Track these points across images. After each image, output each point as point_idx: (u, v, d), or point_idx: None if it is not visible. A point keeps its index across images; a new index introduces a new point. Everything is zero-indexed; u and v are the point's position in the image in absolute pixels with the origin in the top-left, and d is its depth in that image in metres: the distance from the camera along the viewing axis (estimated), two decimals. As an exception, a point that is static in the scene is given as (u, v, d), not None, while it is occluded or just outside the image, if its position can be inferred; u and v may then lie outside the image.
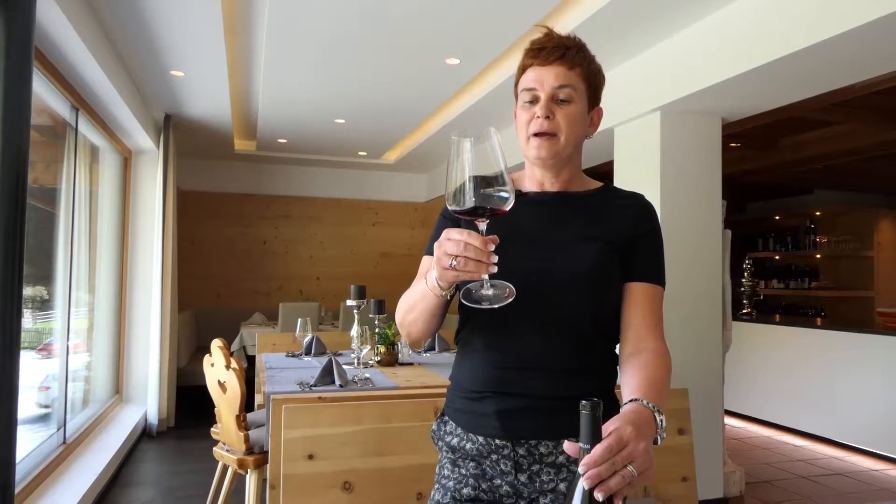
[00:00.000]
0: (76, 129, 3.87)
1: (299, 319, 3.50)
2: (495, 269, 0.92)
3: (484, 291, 0.96)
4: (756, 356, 5.40)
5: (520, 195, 1.16)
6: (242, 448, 2.67)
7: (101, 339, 4.77)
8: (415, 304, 1.13)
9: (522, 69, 1.18)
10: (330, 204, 7.21)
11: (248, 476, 2.71)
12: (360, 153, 6.47)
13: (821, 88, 3.07)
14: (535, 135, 1.14)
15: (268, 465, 2.11)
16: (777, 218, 8.05)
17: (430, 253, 1.16)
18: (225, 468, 3.01)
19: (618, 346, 1.18)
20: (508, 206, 0.93)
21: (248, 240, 6.90)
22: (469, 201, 0.90)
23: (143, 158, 5.20)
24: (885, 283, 7.07)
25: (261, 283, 6.92)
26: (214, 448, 2.86)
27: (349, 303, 3.10)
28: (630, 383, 1.05)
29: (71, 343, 3.83)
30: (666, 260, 1.22)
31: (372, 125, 5.23)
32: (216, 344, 2.85)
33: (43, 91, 3.31)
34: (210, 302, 6.72)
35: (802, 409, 4.96)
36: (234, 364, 2.71)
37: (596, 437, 0.83)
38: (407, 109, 4.73)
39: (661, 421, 0.96)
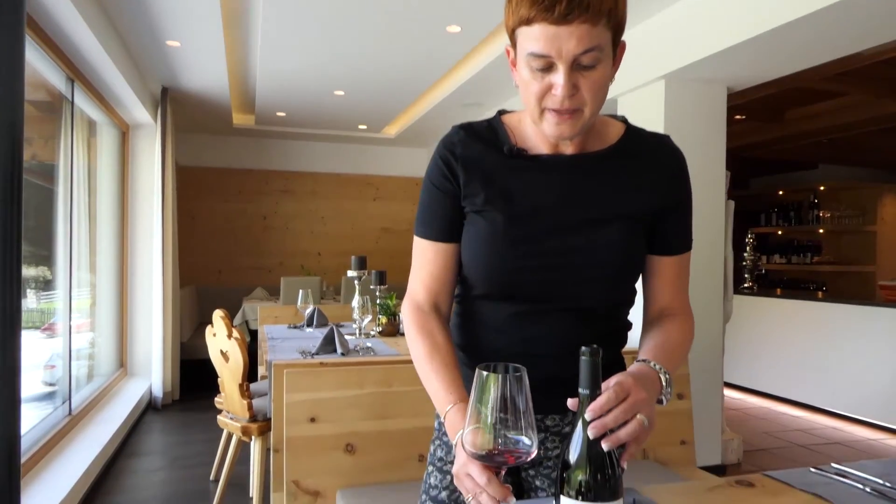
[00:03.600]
0: (72, 102, 3.84)
1: (300, 291, 3.50)
2: None
3: None
4: (756, 329, 5.41)
5: (529, 158, 1.05)
6: (246, 416, 2.69)
7: (104, 314, 4.78)
8: (426, 385, 1.05)
9: (524, 21, 0.89)
10: (330, 179, 7.17)
11: (252, 443, 2.74)
12: (360, 127, 6.42)
13: (828, 56, 3.03)
14: (554, 111, 0.93)
15: (271, 432, 2.13)
16: (780, 193, 8.01)
17: (422, 234, 1.09)
18: (229, 436, 3.04)
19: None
20: (530, 458, 0.82)
21: (248, 215, 6.89)
22: (486, 444, 0.80)
23: (141, 133, 5.16)
24: (887, 258, 7.06)
25: (262, 259, 6.92)
26: (218, 416, 2.88)
27: (350, 273, 3.10)
28: (643, 346, 1.03)
29: (74, 316, 3.85)
30: None
31: (372, 97, 5.18)
32: (218, 314, 2.86)
33: (37, 61, 3.28)
34: (211, 278, 6.72)
35: (801, 380, 4.98)
36: (235, 333, 2.72)
37: (596, 384, 0.82)
38: (407, 80, 4.68)
39: (667, 381, 0.94)
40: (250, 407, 2.68)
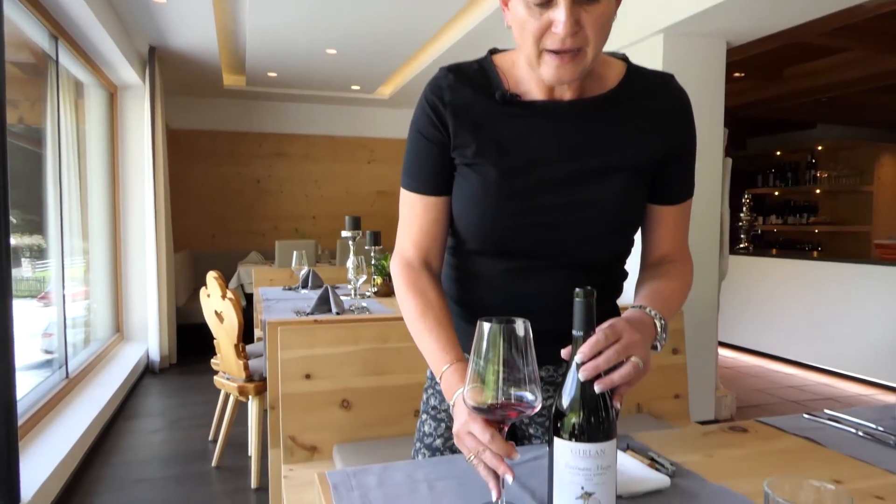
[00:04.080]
0: (57, 62, 3.75)
1: (294, 252, 3.49)
2: (510, 481, 0.80)
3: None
4: (751, 289, 5.43)
5: (523, 105, 0.98)
6: (242, 376, 2.70)
7: (98, 280, 4.76)
8: (419, 345, 1.02)
9: None
10: (323, 141, 7.09)
11: (249, 403, 2.75)
12: (353, 87, 6.31)
13: (828, 8, 2.96)
14: (554, 51, 0.86)
15: (268, 392, 2.13)
16: (778, 153, 7.96)
17: (410, 187, 1.04)
18: (227, 397, 3.06)
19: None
20: (534, 411, 0.80)
21: (241, 179, 6.82)
22: (489, 398, 0.78)
23: (130, 94, 5.06)
24: (883, 218, 7.06)
25: (256, 223, 6.88)
26: (215, 377, 2.89)
27: (344, 234, 3.08)
28: (639, 293, 1.01)
29: (69, 282, 3.83)
30: None
31: (365, 55, 5.08)
32: (211, 275, 2.84)
33: (18, 18, 3.18)
34: (205, 243, 6.69)
35: (795, 338, 5.03)
36: (229, 294, 2.70)
37: (589, 325, 0.81)
38: (401, 37, 4.58)
39: (662, 327, 0.91)
40: (246, 367, 2.69)
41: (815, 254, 5.82)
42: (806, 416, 1.22)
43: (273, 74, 5.75)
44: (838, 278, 4.71)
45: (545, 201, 0.97)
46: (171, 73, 5.40)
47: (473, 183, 0.99)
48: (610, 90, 0.99)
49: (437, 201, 1.03)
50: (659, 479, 0.88)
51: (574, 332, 0.82)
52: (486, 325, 0.78)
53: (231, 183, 6.78)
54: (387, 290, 3.23)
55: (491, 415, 0.78)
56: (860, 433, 1.12)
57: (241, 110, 6.77)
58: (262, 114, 6.84)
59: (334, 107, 7.04)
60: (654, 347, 0.92)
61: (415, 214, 1.05)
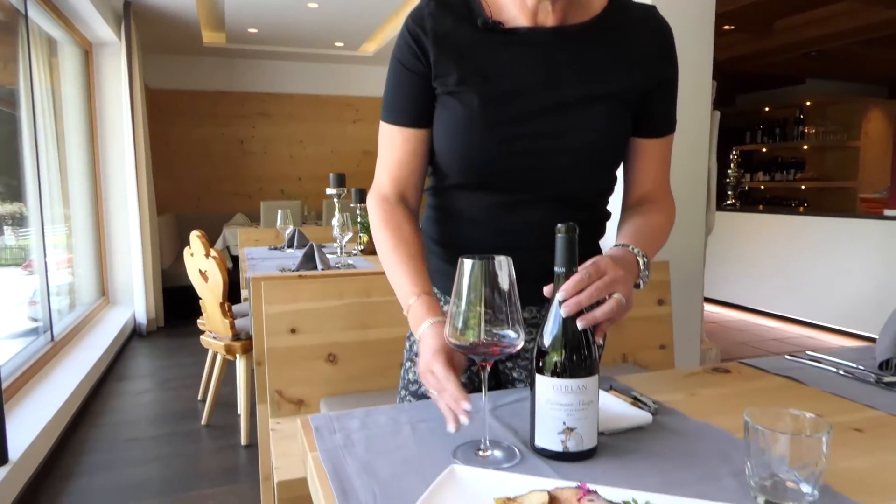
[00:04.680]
0: (27, 17, 3.61)
1: (279, 211, 3.44)
2: (466, 422, 0.79)
3: (481, 454, 0.80)
4: (737, 244, 5.46)
5: (506, 32, 0.96)
6: (229, 334, 2.69)
7: (81, 244, 4.70)
8: (390, 278, 1.01)
9: None
10: (308, 100, 6.95)
11: (237, 362, 2.75)
12: (336, 44, 6.16)
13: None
14: None
15: (254, 348, 2.12)
16: (766, 110, 7.92)
17: (388, 119, 1.02)
18: (214, 357, 3.05)
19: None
20: (516, 349, 0.79)
21: (224, 140, 6.70)
22: (470, 336, 0.76)
23: (106, 52, 4.91)
24: (868, 173, 7.08)
25: (241, 184, 6.79)
26: (201, 336, 2.88)
27: (329, 191, 3.03)
28: (622, 231, 0.99)
29: (51, 244, 3.77)
30: None
31: (347, 9, 4.93)
32: (195, 234, 2.81)
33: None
34: (190, 205, 6.61)
35: (780, 293, 5.08)
36: (213, 252, 2.67)
37: (571, 262, 0.80)
38: (383, -9, 4.45)
39: (644, 265, 0.91)
40: (232, 326, 2.68)
41: (801, 209, 5.85)
42: (788, 357, 1.23)
43: (254, 31, 5.59)
44: (823, 233, 4.74)
45: (529, 128, 0.96)
46: (147, 29, 5.24)
47: (456, 111, 0.97)
48: (593, 17, 0.97)
49: (415, 133, 1.01)
50: (641, 416, 0.88)
51: (556, 269, 0.80)
52: (468, 263, 0.76)
53: (214, 144, 6.66)
54: (373, 248, 3.20)
55: (473, 352, 0.77)
56: (841, 372, 1.13)
57: (222, 69, 6.61)
58: (243, 73, 6.68)
59: (318, 65, 6.88)
60: (637, 286, 0.91)
61: (392, 147, 1.03)
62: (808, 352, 1.24)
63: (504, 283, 0.76)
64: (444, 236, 1.10)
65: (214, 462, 2.55)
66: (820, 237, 4.76)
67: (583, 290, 0.79)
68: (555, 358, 0.78)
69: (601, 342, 0.80)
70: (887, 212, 4.70)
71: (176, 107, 6.47)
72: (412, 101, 1.00)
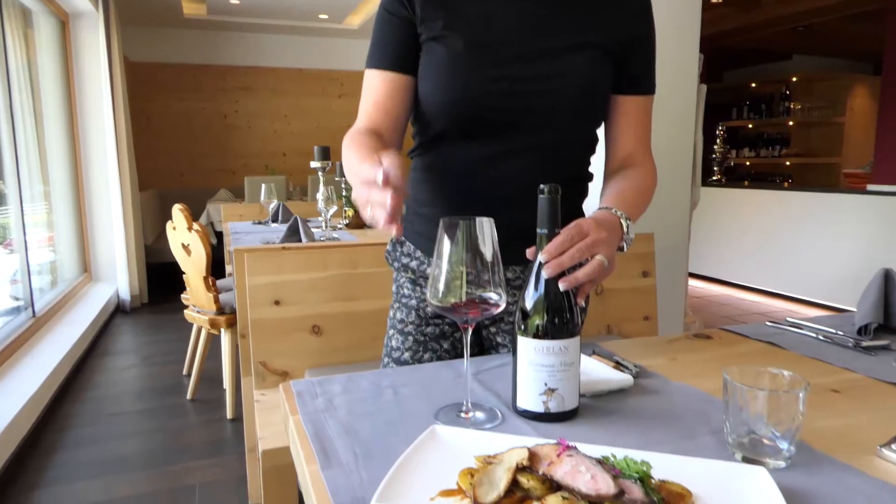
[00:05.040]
0: (-1, -16, 3.50)
1: (263, 185, 3.40)
2: (389, 203, 0.73)
3: (463, 415, 0.80)
4: (722, 220, 5.50)
5: None
6: (213, 308, 2.67)
7: (62, 221, 4.62)
8: (349, 171, 0.96)
9: None
10: (292, 74, 6.84)
11: (222, 336, 2.74)
12: (320, 16, 6.05)
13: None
14: None
15: (237, 318, 2.11)
16: (753, 85, 7.92)
17: (370, 65, 1.04)
18: (199, 331, 3.03)
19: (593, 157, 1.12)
20: (498, 310, 0.77)
21: (207, 114, 6.59)
22: (452, 297, 0.75)
23: (83, 23, 4.78)
24: (853, 149, 7.13)
25: (225, 160, 6.70)
26: (185, 311, 2.86)
27: (313, 164, 3.00)
28: (605, 195, 1.00)
29: (34, 225, 3.70)
30: None
31: (331, -18, 4.84)
32: (177, 207, 2.77)
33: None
34: (173, 181, 6.52)
35: (764, 267, 5.14)
36: (196, 226, 2.64)
37: (554, 223, 0.79)
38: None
39: (628, 227, 0.91)
40: (216, 300, 2.66)
41: (785, 185, 5.89)
42: (769, 323, 1.24)
43: (236, 2, 5.47)
44: (807, 208, 4.78)
45: (512, 71, 0.98)
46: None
47: (441, 55, 0.99)
48: None
49: (395, 77, 1.02)
50: (622, 379, 0.88)
51: (538, 231, 0.80)
52: (450, 223, 0.75)
53: (196, 119, 6.55)
54: (358, 223, 3.18)
55: (455, 314, 0.77)
56: (820, 337, 1.14)
57: (203, 42, 6.47)
58: (226, 46, 6.55)
59: (302, 38, 6.76)
60: (621, 248, 0.91)
61: (371, 90, 1.04)
62: (788, 318, 1.25)
63: (486, 244, 0.75)
64: (428, 196, 1.10)
65: (200, 435, 2.55)
66: (804, 212, 4.80)
67: (565, 251, 0.78)
68: (537, 319, 0.78)
69: (583, 304, 0.80)
70: (870, 187, 4.74)
71: (157, 80, 6.34)
72: (395, 46, 1.02)
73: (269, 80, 6.76)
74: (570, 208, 1.07)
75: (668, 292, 3.38)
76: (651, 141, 1.11)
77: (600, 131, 1.10)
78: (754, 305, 4.82)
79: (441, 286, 0.76)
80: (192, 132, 6.54)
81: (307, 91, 6.92)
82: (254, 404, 1.74)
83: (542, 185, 0.78)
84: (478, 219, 0.75)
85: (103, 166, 4.81)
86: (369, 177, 0.74)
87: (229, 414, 2.70)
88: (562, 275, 0.78)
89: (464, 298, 0.75)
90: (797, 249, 4.84)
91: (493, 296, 0.76)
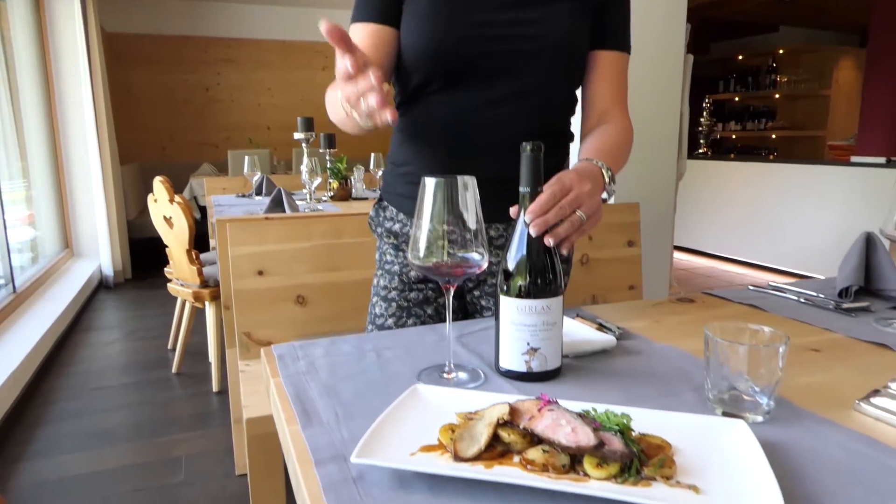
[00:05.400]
0: (-31, -51, 3.38)
1: (247, 157, 3.36)
2: (373, 101, 0.72)
3: (445, 376, 0.79)
4: (708, 192, 5.52)
5: None
6: (196, 282, 2.65)
7: (42, 196, 4.54)
8: (343, 120, 0.95)
9: None
10: (275, 46, 6.71)
11: (206, 309, 2.72)
12: (303, -13, 5.93)
13: None
14: None
15: (221, 289, 2.09)
16: (740, 58, 7.90)
17: (354, 19, 1.04)
18: (183, 305, 3.01)
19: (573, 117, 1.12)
20: (480, 270, 0.76)
21: (188, 87, 6.46)
22: (433, 257, 0.73)
23: (58, -9, 4.64)
24: (838, 122, 7.16)
25: (207, 133, 6.59)
26: (169, 284, 2.83)
27: (297, 136, 2.96)
28: (584, 149, 1.00)
29: (14, 203, 3.63)
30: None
31: (313, -51, 4.72)
32: (158, 180, 2.72)
33: None
34: (155, 155, 6.41)
35: (749, 240, 5.18)
36: (178, 198, 2.60)
37: (537, 181, 0.78)
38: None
39: (610, 178, 0.91)
40: (200, 272, 2.63)
41: (770, 158, 5.91)
42: (751, 287, 1.25)
43: (215, -30, 5.34)
44: (791, 180, 4.80)
45: (492, 17, 0.99)
46: (101, -33, 4.96)
47: (423, 3, 1.00)
48: None
49: (379, 28, 1.02)
50: (605, 340, 0.88)
51: (521, 189, 0.79)
52: (431, 181, 0.74)
53: (177, 92, 6.43)
54: (343, 194, 3.16)
55: (436, 273, 0.76)
56: (801, 300, 1.15)
57: (184, 12, 6.32)
58: (207, 16, 6.40)
59: (286, 8, 6.62)
60: (605, 200, 0.90)
61: (356, 41, 1.00)
62: (770, 283, 1.26)
63: (468, 202, 0.74)
64: (410, 155, 1.10)
65: (186, 408, 2.54)
66: (788, 184, 4.83)
67: (549, 209, 0.77)
68: (519, 279, 0.77)
69: (565, 253, 0.79)
70: (854, 158, 4.77)
71: (136, 52, 6.20)
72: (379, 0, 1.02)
73: (253, 52, 6.63)
74: (552, 165, 1.07)
75: (653, 263, 3.40)
76: (629, 102, 1.12)
77: (578, 94, 1.10)
78: (739, 277, 4.87)
79: (422, 246, 0.74)
80: (173, 105, 6.42)
81: (291, 63, 6.80)
82: (238, 375, 1.73)
83: (524, 143, 0.77)
84: (460, 177, 0.74)
85: (82, 140, 4.71)
86: (344, 68, 0.73)
87: (215, 387, 2.69)
88: (546, 232, 0.77)
89: (446, 258, 0.74)
90: (782, 221, 4.88)
91: (475, 255, 0.75)
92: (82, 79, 4.55)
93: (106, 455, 2.17)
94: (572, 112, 1.11)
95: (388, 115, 0.73)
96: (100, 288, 4.64)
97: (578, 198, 0.80)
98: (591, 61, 1.07)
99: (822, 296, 1.15)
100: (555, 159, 1.09)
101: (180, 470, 2.07)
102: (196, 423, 2.41)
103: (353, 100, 0.75)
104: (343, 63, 0.73)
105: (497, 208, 0.88)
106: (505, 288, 0.78)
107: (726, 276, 4.89)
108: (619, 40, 1.07)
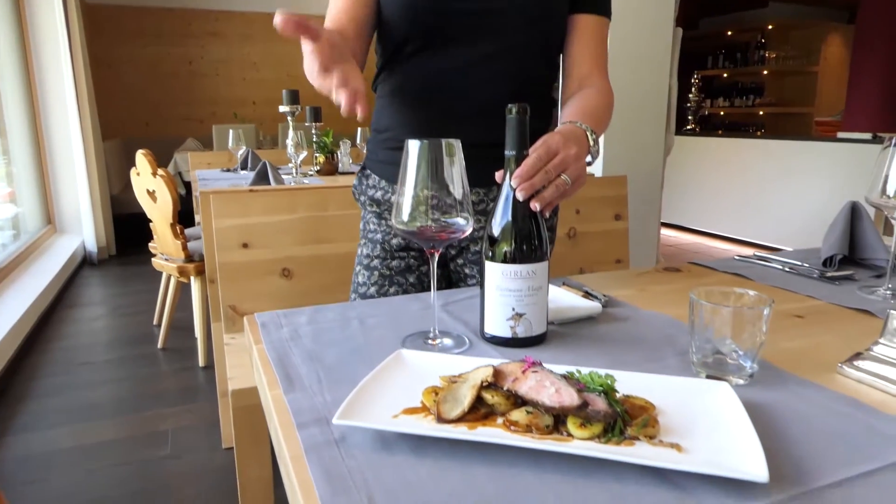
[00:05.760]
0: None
1: (231, 131, 3.31)
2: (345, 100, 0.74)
3: (430, 342, 0.79)
4: (695, 169, 5.52)
5: None
6: (181, 256, 2.62)
7: (22, 171, 4.45)
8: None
9: None
10: (260, 19, 6.58)
11: (192, 284, 2.69)
12: (288, -43, 5.79)
13: None
14: None
15: (205, 262, 2.07)
16: (729, 34, 7.86)
17: None
18: (168, 280, 2.99)
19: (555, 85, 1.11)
20: (464, 235, 0.75)
21: (172, 60, 6.34)
22: (417, 221, 0.72)
23: (34, -40, 4.50)
24: (825, 98, 7.16)
25: (191, 108, 6.49)
26: (154, 259, 2.80)
27: (282, 108, 2.91)
28: (566, 112, 1.00)
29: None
30: (614, 53, 1.11)
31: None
32: (140, 153, 2.68)
33: None
34: (138, 130, 6.31)
35: (736, 216, 5.20)
36: (161, 171, 2.56)
37: (523, 144, 0.77)
38: None
39: (593, 140, 0.91)
40: (185, 247, 2.60)
41: (758, 134, 5.92)
42: (737, 257, 1.25)
43: (197, -61, 5.20)
44: (779, 156, 4.82)
45: None
46: (78, -65, 4.81)
47: None
48: None
49: None
50: (591, 307, 0.88)
51: (507, 153, 0.78)
52: (415, 144, 0.73)
53: (160, 66, 6.30)
54: (330, 169, 3.12)
55: (420, 237, 0.75)
56: (786, 269, 1.15)
57: (165, -17, 6.17)
58: (189, -13, 6.26)
59: (269, -20, 6.49)
60: (589, 162, 0.90)
61: (333, 12, 1.02)
62: (756, 253, 1.26)
63: (453, 166, 0.73)
64: (392, 121, 1.09)
65: (172, 383, 2.53)
66: (775, 160, 4.84)
67: (536, 173, 0.76)
68: (505, 244, 0.76)
69: (546, 215, 0.78)
70: (840, 134, 4.79)
71: (118, 25, 6.06)
72: None
73: (238, 25, 6.51)
74: (535, 130, 1.07)
75: (640, 237, 3.41)
76: (617, 75, 1.11)
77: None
78: (726, 253, 4.90)
79: (406, 210, 0.73)
80: (156, 79, 6.30)
81: (277, 37, 6.61)
82: (224, 348, 1.72)
83: (510, 105, 0.75)
84: (445, 140, 0.72)
85: (63, 115, 4.62)
86: (317, 62, 0.76)
87: (201, 362, 2.68)
88: (532, 197, 0.76)
89: (430, 223, 0.73)
90: (769, 198, 4.90)
91: (459, 220, 0.74)
92: (62, 52, 4.45)
93: (92, 429, 2.16)
94: (554, 78, 1.10)
95: (358, 112, 0.75)
96: (84, 264, 4.59)
97: (564, 161, 0.79)
98: (570, 25, 1.06)
99: (806, 265, 1.15)
100: (538, 124, 1.08)
101: (166, 444, 2.06)
102: (182, 397, 2.40)
103: (326, 92, 0.79)
104: (312, 57, 0.76)
105: (478, 173, 0.87)
106: (490, 254, 0.77)
107: (713, 253, 4.93)
108: (599, 4, 1.07)
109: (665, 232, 5.53)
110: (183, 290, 3.27)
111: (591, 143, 0.89)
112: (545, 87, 1.10)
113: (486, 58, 1.00)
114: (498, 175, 0.79)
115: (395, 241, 1.11)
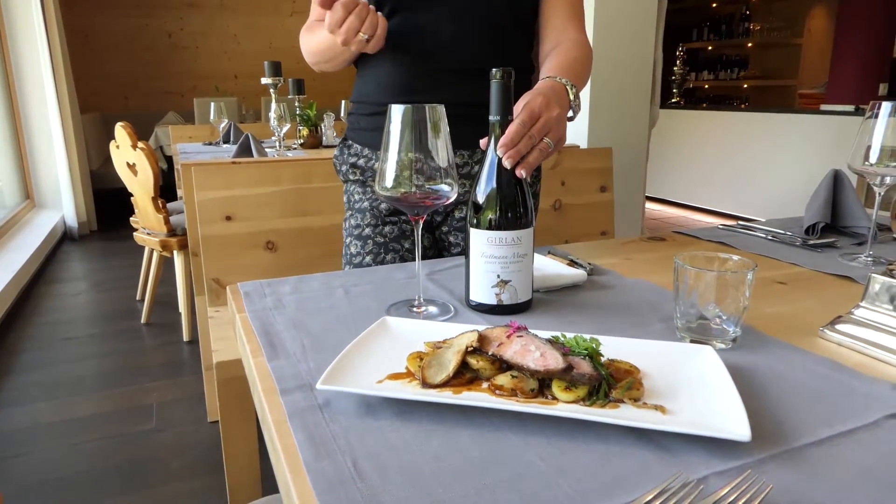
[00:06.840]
0: None
1: (213, 104, 3.25)
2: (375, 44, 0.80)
3: (415, 310, 0.78)
4: (680, 142, 5.53)
5: None
6: (163, 230, 2.59)
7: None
8: (325, 50, 1.01)
9: None
10: (239, -11, 6.44)
11: (175, 258, 2.66)
12: (267, -76, 5.65)
13: None
14: None
15: (188, 236, 2.04)
16: (714, 5, 7.81)
17: None
18: (151, 255, 2.95)
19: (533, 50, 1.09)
20: (449, 201, 0.74)
21: (150, 33, 6.18)
22: (402, 187, 0.71)
23: (3, -76, 4.35)
24: (809, 71, 7.17)
25: (172, 82, 6.35)
26: (135, 233, 2.76)
27: (264, 81, 2.86)
28: (545, 68, 0.99)
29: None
30: (598, 24, 1.10)
31: None
32: (119, 125, 2.62)
33: None
34: (117, 104, 6.17)
35: (721, 189, 5.23)
36: (141, 144, 2.51)
37: (507, 109, 0.76)
38: None
39: (574, 94, 0.90)
40: (167, 220, 2.57)
41: (742, 107, 5.92)
42: (721, 226, 1.26)
43: None
44: (763, 128, 4.83)
45: None
46: None
47: None
48: None
49: None
50: (576, 274, 0.88)
51: (491, 118, 0.77)
52: (398, 108, 0.71)
53: (139, 37, 6.15)
54: (313, 142, 3.08)
55: (405, 204, 0.74)
56: (769, 237, 1.16)
57: (140, -50, 5.99)
58: (165, -45, 6.09)
59: (248, -52, 6.33)
60: (571, 118, 0.89)
61: None
62: (740, 222, 1.27)
63: (438, 131, 0.72)
64: (371, 86, 1.08)
65: (156, 357, 2.52)
66: (759, 133, 4.86)
67: (520, 139, 0.76)
68: (489, 211, 0.76)
69: (527, 178, 0.77)
70: (824, 107, 4.81)
71: (92, -7, 5.89)
72: None
73: (216, -6, 6.35)
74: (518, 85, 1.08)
75: (625, 209, 3.42)
76: (601, 46, 1.10)
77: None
78: (709, 226, 4.94)
79: (390, 175, 0.72)
80: (134, 52, 6.15)
81: (258, 9, 6.53)
82: (208, 321, 1.71)
83: (494, 70, 0.74)
84: (428, 105, 0.71)
85: (40, 88, 4.50)
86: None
87: (186, 336, 2.67)
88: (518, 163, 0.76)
89: (414, 189, 0.72)
90: (753, 170, 4.93)
91: (444, 187, 0.73)
92: (35, 23, 4.32)
93: (76, 403, 2.15)
94: (530, 46, 1.10)
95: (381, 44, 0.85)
96: (64, 239, 4.53)
97: (547, 124, 0.79)
98: None
99: (789, 233, 1.16)
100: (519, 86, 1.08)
101: (151, 417, 2.06)
102: (167, 371, 2.39)
103: (355, 28, 0.87)
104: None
105: (459, 134, 0.86)
106: (475, 221, 0.76)
107: (697, 226, 4.93)
108: None
109: (649, 206, 5.55)
110: (166, 266, 3.24)
111: (572, 97, 0.89)
112: (526, 57, 1.09)
113: (459, 16, 1.00)
114: (482, 142, 0.78)
115: (383, 206, 1.10)
